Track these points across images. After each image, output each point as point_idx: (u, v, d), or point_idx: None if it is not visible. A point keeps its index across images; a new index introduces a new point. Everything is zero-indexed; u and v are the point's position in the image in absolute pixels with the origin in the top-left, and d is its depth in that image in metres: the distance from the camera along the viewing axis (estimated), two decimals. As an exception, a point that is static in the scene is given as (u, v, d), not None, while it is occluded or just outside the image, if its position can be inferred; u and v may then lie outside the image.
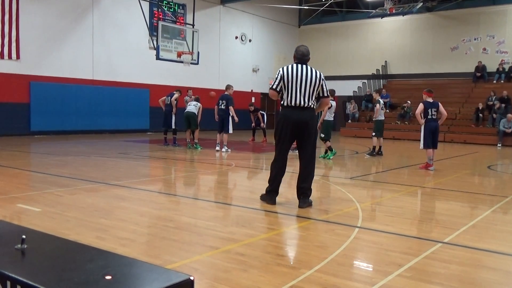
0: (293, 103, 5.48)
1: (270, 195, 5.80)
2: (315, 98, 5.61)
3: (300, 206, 5.60)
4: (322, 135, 12.11)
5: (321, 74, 5.66)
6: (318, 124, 12.11)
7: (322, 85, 5.60)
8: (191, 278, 0.91)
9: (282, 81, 5.51)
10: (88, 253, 1.02)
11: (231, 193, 7.16)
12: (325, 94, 5.70)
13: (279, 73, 5.57)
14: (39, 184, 6.99)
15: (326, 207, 5.92)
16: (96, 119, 18.30)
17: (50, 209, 5.18)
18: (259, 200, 6.03)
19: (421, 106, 9.62)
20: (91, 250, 1.08)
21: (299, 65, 5.57)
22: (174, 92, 13.58)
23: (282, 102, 5.58)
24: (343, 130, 23.14)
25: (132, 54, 19.42)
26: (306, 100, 5.48)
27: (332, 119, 11.56)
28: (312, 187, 5.79)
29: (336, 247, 3.95)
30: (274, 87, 5.58)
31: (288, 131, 5.56)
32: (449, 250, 4.02)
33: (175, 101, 13.34)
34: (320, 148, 11.42)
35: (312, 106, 5.57)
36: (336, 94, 29.32)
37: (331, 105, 11.25)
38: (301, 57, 5.66)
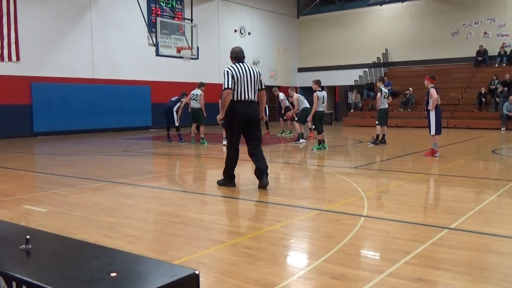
0: (243, 98, 6.10)
1: (230, 179, 6.43)
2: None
3: (265, 184, 6.18)
4: (313, 127, 12.05)
5: (259, 70, 6.36)
6: (310, 117, 12.06)
7: (260, 80, 6.30)
8: (196, 272, 0.90)
9: (233, 80, 6.04)
10: (92, 251, 1.02)
11: (236, 186, 7.16)
12: (262, 87, 6.36)
13: (229, 72, 6.07)
14: (45, 185, 7.02)
15: (331, 197, 5.91)
16: (98, 117, 18.32)
17: (56, 209, 5.20)
18: (265, 192, 6.03)
19: (435, 91, 9.48)
20: (96, 248, 1.08)
21: (241, 64, 6.19)
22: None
23: (232, 98, 6.10)
24: (345, 119, 23.08)
25: (131, 52, 19.39)
26: (253, 95, 6.18)
27: (323, 109, 11.41)
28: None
29: (343, 237, 3.95)
30: (230, 86, 6.04)
31: (241, 123, 6.16)
32: (455, 236, 4.01)
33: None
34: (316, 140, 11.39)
35: (256, 100, 6.29)
36: (337, 84, 29.24)
37: (318, 96, 11.12)
38: (237, 55, 6.26)
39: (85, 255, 0.99)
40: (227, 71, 6.08)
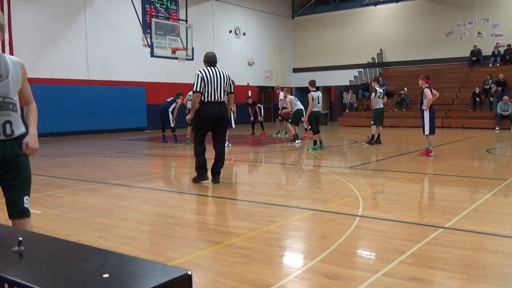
0: (212, 99, 6.53)
1: (203, 173, 6.82)
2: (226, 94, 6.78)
3: (216, 182, 6.74)
4: (309, 127, 12.03)
5: (228, 74, 6.77)
6: (306, 117, 12.04)
7: (230, 83, 6.75)
8: (189, 273, 0.90)
9: (203, 82, 6.48)
10: (85, 252, 1.02)
11: (231, 187, 7.16)
12: (232, 90, 6.86)
13: (199, 76, 6.52)
14: (39, 187, 6.98)
15: (327, 197, 5.92)
16: (93, 119, 18.26)
17: (51, 211, 5.18)
18: (260, 193, 6.03)
19: (429, 92, 9.51)
20: (89, 249, 1.07)
21: (212, 68, 6.62)
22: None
23: (202, 99, 6.53)
24: (340, 120, 23.12)
25: (126, 53, 19.34)
26: (221, 96, 6.61)
27: (319, 109, 11.40)
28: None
29: (338, 237, 3.96)
30: (198, 89, 6.51)
31: (210, 122, 6.63)
32: (450, 235, 4.02)
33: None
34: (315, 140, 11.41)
35: (224, 101, 6.73)
36: (332, 84, 29.26)
37: (313, 96, 11.12)
38: (209, 60, 6.71)
39: (77, 256, 0.99)
40: (198, 74, 6.54)
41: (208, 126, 6.70)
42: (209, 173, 6.93)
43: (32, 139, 2.88)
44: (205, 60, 6.75)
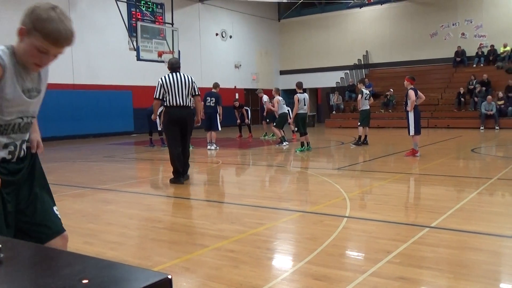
0: (174, 103, 6.87)
1: (177, 176, 7.07)
2: (191, 97, 7.10)
3: (182, 182, 7.02)
4: (295, 129, 12.06)
5: (192, 77, 7.10)
6: (292, 119, 12.07)
7: (193, 87, 7.05)
8: (169, 277, 0.90)
9: (163, 88, 6.91)
10: (65, 258, 1.01)
11: (219, 190, 7.15)
12: (197, 93, 7.15)
13: (159, 83, 6.94)
14: (24, 193, 6.89)
15: (314, 199, 5.94)
16: (79, 123, 18.10)
17: (36, 217, 5.11)
18: (248, 196, 6.03)
19: (413, 93, 9.61)
20: (68, 255, 1.07)
21: (174, 74, 6.98)
22: None
23: (165, 104, 6.95)
24: (328, 121, 23.24)
25: (112, 56, 19.22)
26: (184, 100, 6.91)
27: (305, 111, 11.42)
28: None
29: (326, 238, 3.97)
30: (157, 96, 6.97)
31: (175, 124, 6.94)
32: (436, 234, 4.06)
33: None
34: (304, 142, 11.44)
35: (189, 104, 7.01)
36: (319, 86, 29.37)
37: (299, 98, 11.16)
38: (172, 66, 7.09)
39: (57, 262, 0.98)
40: (158, 81, 6.98)
41: (174, 129, 7.01)
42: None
43: (39, 138, 2.58)
44: (168, 66, 7.19)
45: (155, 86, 7.13)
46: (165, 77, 6.99)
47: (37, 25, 1.96)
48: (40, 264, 0.99)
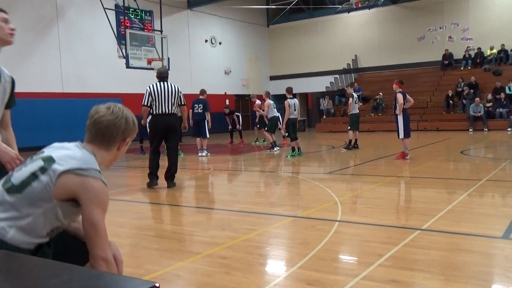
0: (161, 111, 7.15)
1: (152, 179, 7.35)
2: (177, 106, 7.35)
3: (169, 187, 7.25)
4: (286, 134, 12.10)
5: (178, 87, 7.36)
6: (283, 125, 12.10)
7: (179, 96, 7.33)
8: (157, 285, 0.90)
9: (150, 96, 7.18)
10: (52, 269, 1.01)
11: (210, 196, 7.14)
12: (182, 103, 7.42)
13: (147, 91, 7.22)
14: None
15: (306, 204, 5.95)
16: (69, 132, 17.77)
17: (26, 228, 5.06)
18: (240, 202, 6.02)
19: (401, 97, 9.68)
20: (56, 265, 1.06)
21: (161, 83, 7.25)
22: None
23: (152, 112, 7.23)
24: (318, 126, 23.31)
25: (101, 64, 19.14)
26: (169, 108, 7.17)
27: (295, 116, 11.46)
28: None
29: (317, 243, 3.98)
30: (145, 103, 7.23)
31: (161, 131, 7.20)
32: (427, 237, 4.09)
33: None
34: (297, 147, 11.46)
35: (174, 112, 7.28)
36: (309, 91, 29.43)
37: (289, 104, 11.20)
38: (160, 75, 7.36)
39: (44, 273, 0.97)
40: (147, 89, 7.25)
41: (158, 136, 7.26)
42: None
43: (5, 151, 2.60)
44: (156, 75, 7.43)
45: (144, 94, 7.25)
46: (153, 85, 7.25)
47: None
48: (27, 275, 0.99)
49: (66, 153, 1.95)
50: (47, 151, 1.99)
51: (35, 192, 1.81)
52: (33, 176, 1.84)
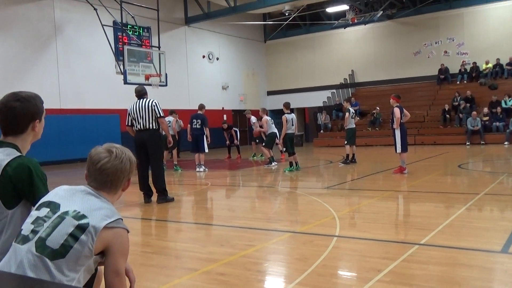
0: (137, 128, 7.46)
1: (145, 197, 7.58)
2: (154, 120, 7.43)
3: (158, 202, 7.41)
4: (284, 149, 12.09)
5: (153, 101, 7.47)
6: (281, 140, 12.10)
7: (154, 110, 7.40)
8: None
9: (130, 116, 7.53)
10: (40, 286, 0.99)
11: (208, 212, 7.11)
12: (160, 115, 7.47)
13: (127, 111, 7.58)
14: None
15: (304, 219, 5.93)
16: (67, 148, 17.93)
17: (22, 245, 5.02)
18: (238, 217, 6.00)
19: (398, 111, 9.72)
20: (49, 285, 1.05)
21: (138, 101, 7.53)
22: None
23: (134, 128, 7.52)
24: (316, 140, 23.33)
25: (99, 80, 19.20)
26: (144, 125, 7.39)
27: (293, 131, 11.47)
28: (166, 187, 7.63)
29: (316, 258, 3.96)
30: (127, 123, 7.61)
31: (136, 148, 7.37)
32: (426, 251, 4.07)
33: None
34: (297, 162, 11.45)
35: (152, 127, 7.42)
36: (306, 106, 29.52)
37: (287, 119, 11.23)
38: (137, 94, 7.63)
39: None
40: (127, 109, 7.60)
41: (139, 152, 7.37)
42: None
43: None
44: (135, 95, 7.70)
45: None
46: (132, 105, 7.56)
47: None
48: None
49: (91, 206, 1.92)
50: (65, 204, 1.93)
51: (78, 253, 1.80)
52: (72, 237, 1.81)
